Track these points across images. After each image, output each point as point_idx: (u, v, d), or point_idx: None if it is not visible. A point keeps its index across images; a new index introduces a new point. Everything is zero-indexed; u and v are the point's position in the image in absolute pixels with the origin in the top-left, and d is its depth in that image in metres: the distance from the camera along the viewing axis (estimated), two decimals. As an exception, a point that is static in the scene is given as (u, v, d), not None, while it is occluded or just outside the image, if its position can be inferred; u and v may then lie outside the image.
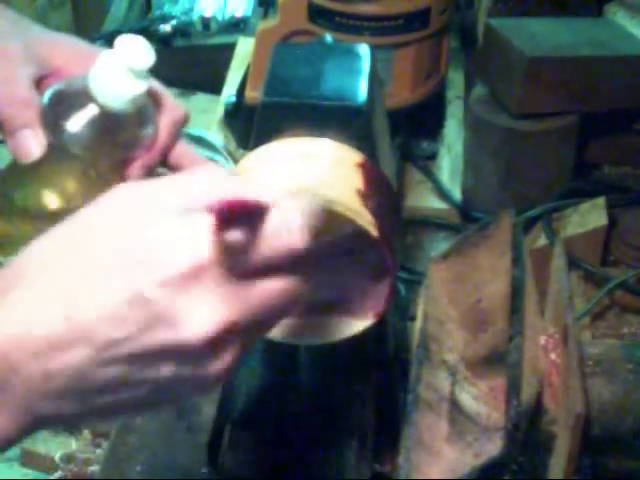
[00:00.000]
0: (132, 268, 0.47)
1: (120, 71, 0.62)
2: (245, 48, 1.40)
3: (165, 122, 0.68)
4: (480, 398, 0.67)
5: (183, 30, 1.55)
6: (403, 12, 1.14)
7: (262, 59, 1.14)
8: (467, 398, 0.67)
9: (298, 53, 0.74)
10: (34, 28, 0.71)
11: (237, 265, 0.49)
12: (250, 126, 0.69)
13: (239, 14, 1.61)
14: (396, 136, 1.16)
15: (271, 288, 0.50)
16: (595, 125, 1.13)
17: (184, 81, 1.41)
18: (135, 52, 0.62)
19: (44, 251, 0.50)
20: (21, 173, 0.67)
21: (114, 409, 0.50)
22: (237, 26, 1.59)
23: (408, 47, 1.17)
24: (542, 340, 0.67)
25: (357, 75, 0.69)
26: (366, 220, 0.61)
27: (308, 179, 0.62)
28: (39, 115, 0.65)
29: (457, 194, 1.18)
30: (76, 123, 0.64)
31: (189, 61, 1.49)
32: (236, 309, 0.49)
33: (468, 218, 1.15)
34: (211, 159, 1.22)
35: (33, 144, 0.65)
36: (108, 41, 1.53)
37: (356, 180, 0.63)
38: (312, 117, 0.67)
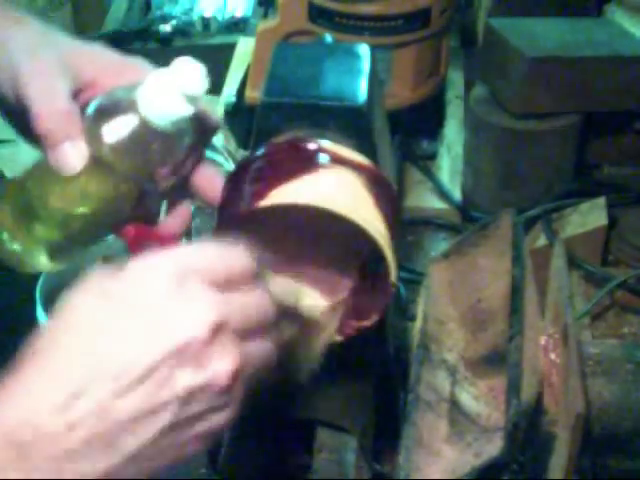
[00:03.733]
0: (150, 334, 0.53)
1: (172, 92, 0.62)
2: (245, 48, 1.40)
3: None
4: (480, 398, 0.67)
5: (183, 30, 1.55)
6: (403, 12, 1.14)
7: (262, 59, 1.14)
8: (467, 398, 0.67)
9: (298, 53, 0.74)
10: (63, 38, 0.71)
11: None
12: (250, 126, 0.69)
13: (239, 14, 1.61)
14: (396, 136, 1.16)
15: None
16: (595, 125, 1.13)
17: (184, 81, 1.41)
18: (191, 77, 0.62)
19: (52, 331, 0.54)
20: (48, 178, 0.67)
21: (146, 452, 0.52)
22: (237, 26, 1.59)
23: (408, 47, 1.17)
24: (542, 340, 0.67)
25: (357, 75, 0.69)
26: (386, 244, 0.61)
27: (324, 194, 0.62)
28: (81, 127, 0.65)
29: (457, 194, 1.18)
30: (119, 136, 0.64)
31: (189, 61, 1.49)
32: (220, 309, 0.54)
33: (468, 218, 1.15)
34: (211, 159, 1.22)
35: (76, 157, 0.65)
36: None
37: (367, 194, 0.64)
38: (312, 117, 0.67)
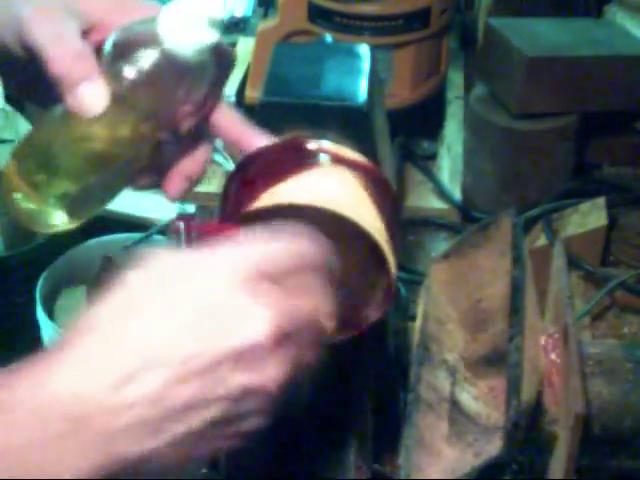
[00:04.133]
0: (216, 329, 0.53)
1: (195, 18, 0.59)
2: (245, 48, 1.40)
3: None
4: (480, 398, 0.67)
5: (183, 30, 1.55)
6: (403, 12, 1.14)
7: (262, 59, 1.14)
8: (467, 398, 0.67)
9: (298, 53, 0.74)
10: None
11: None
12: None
13: (239, 14, 1.61)
14: (396, 136, 1.16)
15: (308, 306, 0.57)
16: (595, 125, 1.13)
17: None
18: (210, 1, 0.59)
19: (110, 308, 0.54)
20: (64, 124, 0.64)
21: (188, 441, 0.52)
22: (237, 26, 1.59)
23: (408, 47, 1.17)
24: (542, 340, 0.67)
25: (357, 75, 0.69)
26: (386, 244, 0.61)
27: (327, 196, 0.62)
28: (98, 66, 0.62)
29: (457, 194, 1.18)
30: (141, 71, 0.61)
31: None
32: (286, 318, 0.54)
33: (468, 218, 1.15)
34: (211, 159, 1.22)
35: (96, 96, 0.62)
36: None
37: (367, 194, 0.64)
38: (312, 117, 0.67)
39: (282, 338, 0.53)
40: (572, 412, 0.57)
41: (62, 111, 0.64)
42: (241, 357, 0.52)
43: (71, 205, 0.66)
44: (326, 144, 0.64)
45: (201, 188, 1.04)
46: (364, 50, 0.72)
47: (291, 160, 0.64)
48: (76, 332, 0.53)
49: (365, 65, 0.71)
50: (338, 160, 0.64)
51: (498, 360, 0.66)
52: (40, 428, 0.50)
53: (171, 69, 0.61)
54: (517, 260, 0.68)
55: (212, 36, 0.60)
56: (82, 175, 0.65)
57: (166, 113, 0.63)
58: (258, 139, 0.65)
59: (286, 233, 0.57)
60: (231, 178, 0.67)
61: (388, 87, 1.17)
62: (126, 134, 0.64)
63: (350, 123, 0.66)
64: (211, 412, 0.52)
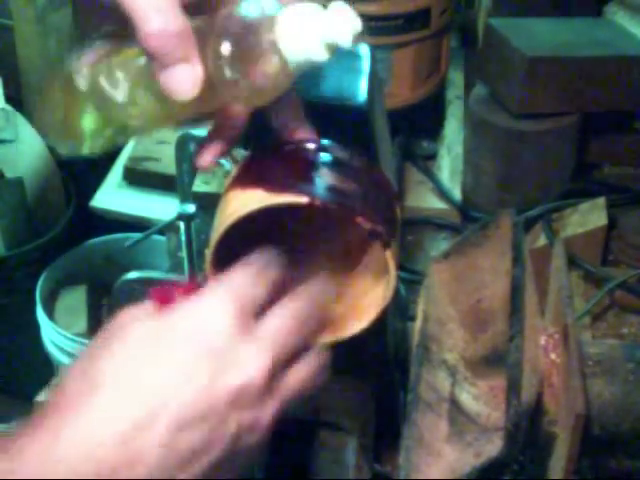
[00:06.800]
0: (213, 373, 0.54)
1: (317, 36, 0.56)
2: (245, 48, 1.40)
3: None
4: (480, 398, 0.67)
5: (183, 30, 1.55)
6: (403, 12, 1.14)
7: (262, 59, 1.14)
8: (467, 398, 0.67)
9: (298, 53, 0.74)
10: None
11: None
12: (250, 126, 0.69)
13: (239, 14, 1.60)
14: (396, 136, 1.16)
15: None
16: (595, 125, 1.13)
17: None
18: (342, 26, 0.56)
19: (115, 362, 0.54)
20: (141, 78, 0.60)
21: None
22: (237, 26, 1.59)
23: (408, 47, 1.17)
24: (542, 340, 0.67)
25: (357, 75, 0.69)
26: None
27: None
28: (197, 46, 0.57)
29: (457, 194, 1.18)
30: (244, 66, 0.57)
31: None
32: (277, 349, 0.56)
33: (468, 218, 1.15)
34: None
35: (191, 82, 0.57)
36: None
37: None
38: (312, 117, 0.66)
39: (272, 374, 0.55)
40: (572, 412, 0.57)
41: (146, 62, 0.59)
42: (238, 398, 0.54)
43: (97, 138, 0.64)
44: (326, 143, 0.64)
45: (201, 188, 1.04)
46: (364, 50, 0.72)
47: (291, 160, 0.64)
48: (76, 392, 0.53)
49: (365, 65, 0.71)
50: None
51: (498, 360, 0.66)
52: None
53: (270, 67, 0.57)
54: (517, 260, 0.68)
55: (324, 56, 0.57)
56: (142, 119, 0.62)
57: (246, 101, 0.61)
58: (305, 131, 0.64)
59: (253, 262, 0.59)
60: (231, 179, 0.67)
61: (388, 87, 1.17)
62: (205, 109, 0.62)
63: (350, 123, 0.66)
64: (214, 453, 0.54)
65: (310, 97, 0.67)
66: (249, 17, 0.57)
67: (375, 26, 1.14)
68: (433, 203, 1.19)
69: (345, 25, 0.56)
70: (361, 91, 0.68)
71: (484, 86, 1.14)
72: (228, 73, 0.57)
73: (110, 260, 1.27)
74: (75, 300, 1.27)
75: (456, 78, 1.37)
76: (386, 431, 0.79)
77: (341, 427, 0.76)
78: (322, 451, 0.76)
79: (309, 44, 0.56)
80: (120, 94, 0.61)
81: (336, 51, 0.57)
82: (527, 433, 0.59)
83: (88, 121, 0.63)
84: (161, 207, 1.23)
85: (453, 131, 1.29)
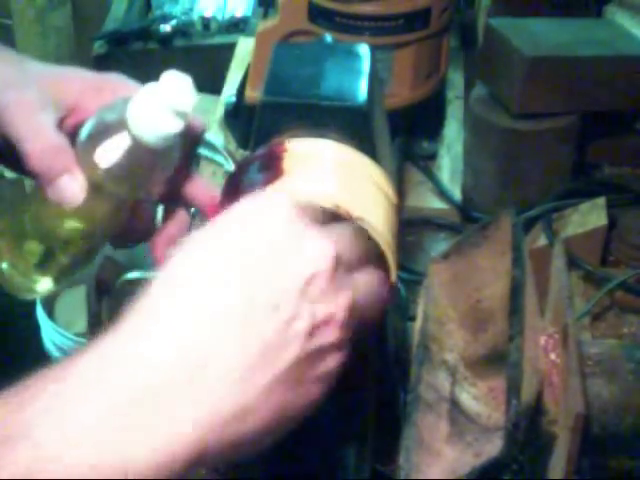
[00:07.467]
0: (277, 270, 0.54)
1: (162, 109, 0.62)
2: (245, 48, 1.40)
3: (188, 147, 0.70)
4: (480, 398, 0.67)
5: (183, 30, 1.55)
6: (403, 12, 1.14)
7: (262, 59, 1.14)
8: (467, 398, 0.67)
9: (298, 53, 0.74)
10: (39, 67, 0.71)
11: None
12: (250, 126, 0.69)
13: (239, 14, 1.61)
14: (396, 136, 1.16)
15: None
16: (595, 125, 1.13)
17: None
18: (180, 92, 0.62)
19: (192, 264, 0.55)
20: (45, 206, 0.68)
21: (277, 389, 0.53)
22: (237, 26, 1.59)
23: (408, 47, 1.17)
24: (542, 340, 0.67)
25: (357, 75, 0.69)
26: (386, 244, 0.62)
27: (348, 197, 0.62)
28: (74, 157, 0.65)
29: (457, 194, 1.18)
30: (113, 159, 0.64)
31: (189, 61, 1.49)
32: (340, 251, 0.55)
33: (468, 218, 1.15)
34: (211, 159, 1.22)
35: (75, 189, 0.65)
36: (108, 41, 1.53)
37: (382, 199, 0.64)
38: (312, 117, 0.67)
39: (337, 262, 0.54)
40: (572, 412, 0.57)
41: (42, 193, 0.67)
42: (307, 291, 0.53)
43: (57, 272, 0.71)
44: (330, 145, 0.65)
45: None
46: (364, 50, 0.72)
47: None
48: (157, 295, 0.54)
49: (365, 65, 0.71)
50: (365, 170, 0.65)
51: (498, 360, 0.66)
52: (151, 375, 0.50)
53: (140, 155, 0.64)
54: (517, 260, 0.68)
55: (178, 125, 0.63)
56: (63, 247, 0.69)
57: (140, 192, 0.67)
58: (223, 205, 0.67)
59: None
60: (231, 179, 0.67)
61: (388, 87, 1.17)
62: (104, 212, 0.67)
63: (350, 123, 0.66)
64: (290, 352, 0.53)
65: (310, 97, 0.67)
66: (107, 118, 0.65)
67: (375, 26, 1.14)
68: (433, 203, 1.19)
69: (180, 89, 0.61)
70: (361, 91, 0.68)
71: (484, 86, 1.14)
72: (102, 172, 0.64)
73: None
74: (75, 300, 1.26)
75: (456, 78, 1.37)
76: (386, 431, 0.79)
77: (341, 427, 0.76)
78: (322, 451, 0.76)
79: (156, 119, 0.62)
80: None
81: (185, 116, 0.63)
82: (527, 433, 0.59)
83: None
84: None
85: (453, 131, 1.29)
